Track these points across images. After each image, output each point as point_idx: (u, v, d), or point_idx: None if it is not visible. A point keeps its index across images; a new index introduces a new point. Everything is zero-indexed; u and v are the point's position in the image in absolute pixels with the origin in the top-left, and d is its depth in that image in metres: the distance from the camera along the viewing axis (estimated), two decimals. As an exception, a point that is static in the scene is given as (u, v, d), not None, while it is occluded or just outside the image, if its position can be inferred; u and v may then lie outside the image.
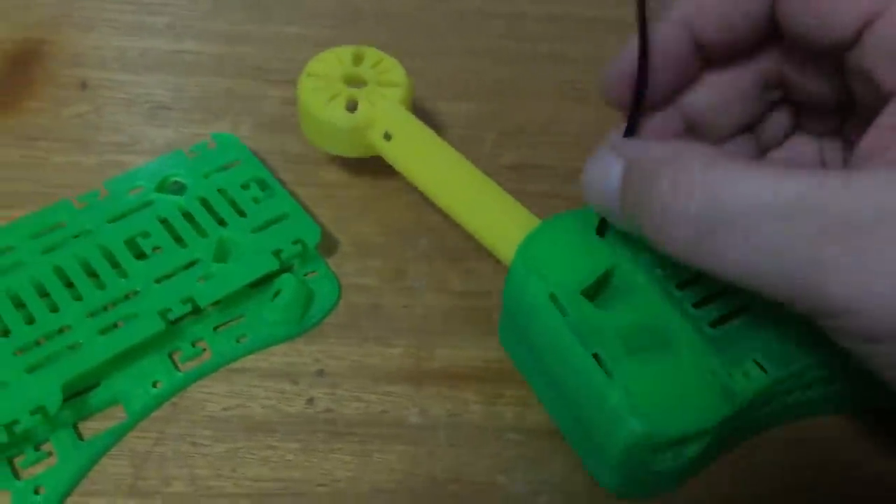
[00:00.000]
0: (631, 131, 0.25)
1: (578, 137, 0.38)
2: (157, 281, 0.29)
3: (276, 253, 0.30)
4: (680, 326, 0.25)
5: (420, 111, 0.38)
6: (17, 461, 0.26)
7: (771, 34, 0.23)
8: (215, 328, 0.29)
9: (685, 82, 0.25)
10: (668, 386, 0.24)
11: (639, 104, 0.24)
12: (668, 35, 0.23)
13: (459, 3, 0.43)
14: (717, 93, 0.25)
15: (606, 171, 0.23)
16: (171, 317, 0.28)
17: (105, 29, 0.39)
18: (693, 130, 0.26)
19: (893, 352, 0.18)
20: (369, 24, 0.41)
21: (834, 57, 0.21)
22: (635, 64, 0.24)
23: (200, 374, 0.28)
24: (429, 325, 0.31)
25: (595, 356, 0.24)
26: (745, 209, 0.19)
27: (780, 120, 0.26)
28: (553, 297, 0.25)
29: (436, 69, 0.40)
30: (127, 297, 0.29)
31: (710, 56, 0.24)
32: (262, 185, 0.32)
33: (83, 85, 0.37)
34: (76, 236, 0.30)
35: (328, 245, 0.32)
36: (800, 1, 0.20)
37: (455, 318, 0.31)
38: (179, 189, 0.32)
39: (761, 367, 0.25)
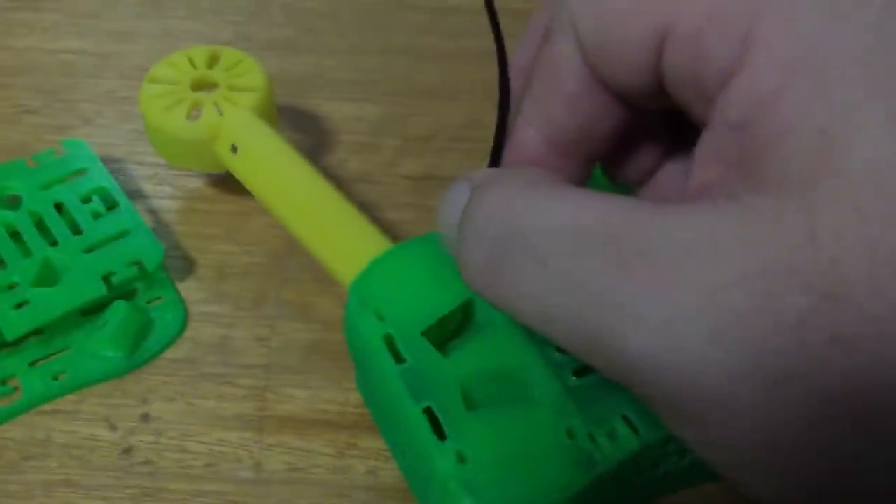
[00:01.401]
0: (494, 160, 0.20)
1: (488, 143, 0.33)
2: (-35, 308, 0.25)
3: (107, 276, 0.26)
4: (540, 375, 0.21)
5: (317, 114, 0.34)
6: None
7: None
8: (31, 363, 0.26)
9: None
10: (515, 451, 0.20)
11: (501, 132, 0.20)
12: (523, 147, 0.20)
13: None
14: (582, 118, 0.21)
15: (454, 202, 0.19)
16: (-28, 351, 0.25)
17: (-17, 27, 0.36)
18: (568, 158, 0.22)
19: (709, 423, 0.13)
20: (278, 19, 0.37)
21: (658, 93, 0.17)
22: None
23: (5, 417, 0.25)
24: (284, 360, 0.26)
25: (427, 411, 0.20)
26: (542, 233, 0.15)
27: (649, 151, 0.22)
28: (388, 339, 0.21)
29: (346, 68, 0.36)
30: (-72, 327, 0.25)
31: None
32: (106, 198, 0.28)
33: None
34: None
35: (183, 267, 0.29)
36: (601, 57, 0.17)
37: (316, 352, 0.27)
38: (15, 202, 0.28)
39: (631, 427, 0.20)
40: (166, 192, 0.31)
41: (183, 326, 0.27)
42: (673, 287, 0.13)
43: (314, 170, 0.26)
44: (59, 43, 0.36)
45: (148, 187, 0.31)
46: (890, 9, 0.14)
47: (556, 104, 0.19)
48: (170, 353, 0.26)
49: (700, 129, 0.17)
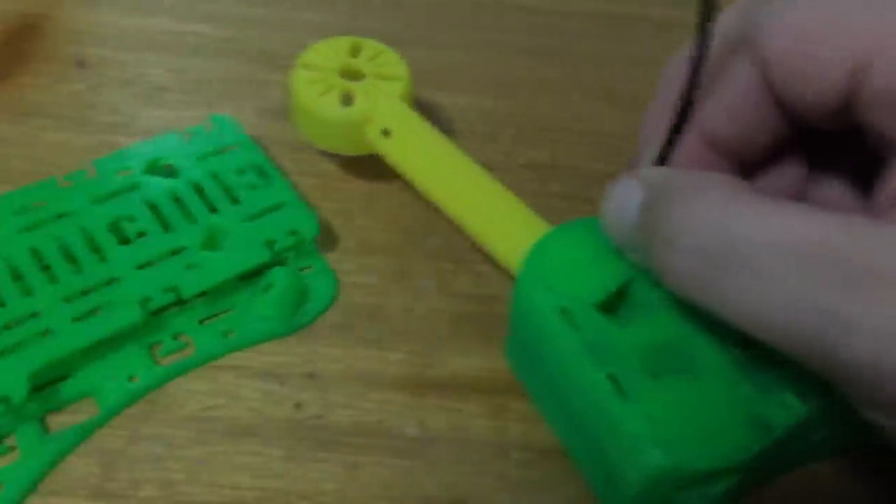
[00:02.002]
0: (662, 160, 0.22)
1: (604, 138, 0.35)
2: (140, 267, 0.27)
3: (269, 243, 0.28)
4: (706, 347, 0.22)
5: (432, 105, 0.35)
6: (-25, 455, 0.24)
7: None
8: (200, 321, 0.27)
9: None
10: (695, 414, 0.21)
11: (678, 131, 0.21)
12: (688, 151, 0.22)
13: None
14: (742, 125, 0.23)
15: (626, 199, 0.21)
16: (152, 306, 0.26)
17: (107, 6, 0.37)
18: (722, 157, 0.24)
19: None
20: (384, 11, 0.39)
21: (840, 113, 0.19)
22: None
23: (181, 370, 0.26)
24: (432, 330, 0.28)
25: (610, 377, 0.22)
26: (760, 248, 0.16)
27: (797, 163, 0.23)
28: (564, 311, 0.23)
29: (456, 61, 0.38)
30: (106, 283, 0.26)
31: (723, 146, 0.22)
32: (260, 171, 0.30)
33: (81, 63, 0.35)
34: (59, 216, 0.28)
35: (328, 240, 0.30)
36: (788, 78, 0.18)
37: (461, 323, 0.29)
38: (172, 172, 0.30)
39: (797, 396, 0.22)
40: (302, 170, 0.32)
41: (336, 294, 0.29)
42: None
43: (466, 155, 0.28)
44: (183, 25, 0.37)
45: (283, 165, 0.32)
46: None
47: (722, 111, 0.20)
48: (327, 319, 0.28)
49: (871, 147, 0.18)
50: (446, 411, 0.26)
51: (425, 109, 0.35)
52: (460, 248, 0.30)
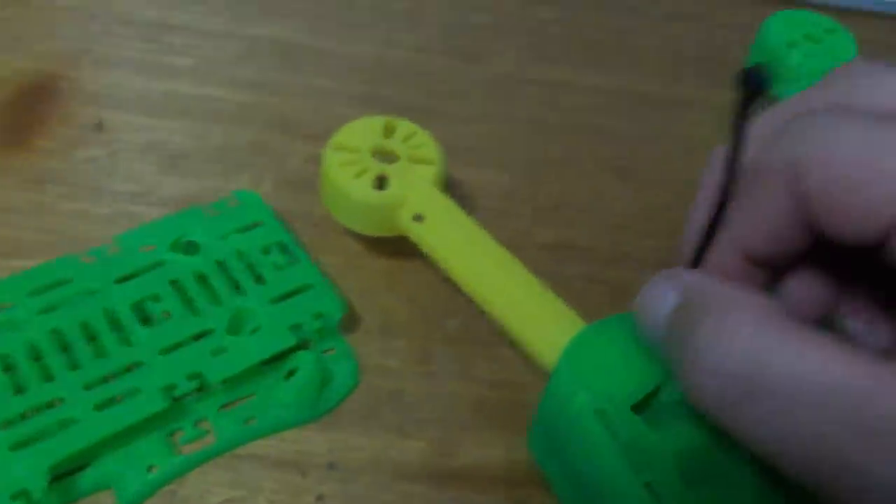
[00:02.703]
0: (696, 263, 0.22)
1: (621, 218, 0.35)
2: (164, 352, 0.26)
3: (295, 327, 0.28)
4: (738, 453, 0.23)
5: (450, 179, 0.35)
6: (-8, 549, 0.23)
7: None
8: (221, 407, 0.27)
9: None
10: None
11: (712, 234, 0.22)
12: (722, 256, 0.22)
13: (495, 67, 0.41)
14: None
15: (660, 300, 0.21)
16: (176, 394, 0.26)
17: (126, 68, 0.37)
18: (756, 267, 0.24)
19: None
20: (404, 82, 0.39)
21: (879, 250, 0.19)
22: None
23: (202, 460, 0.26)
24: (454, 416, 0.28)
25: (648, 486, 0.22)
26: (786, 382, 0.16)
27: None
28: (601, 414, 0.23)
29: (469, 135, 0.38)
30: (129, 368, 0.26)
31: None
32: (285, 250, 0.30)
33: (99, 126, 0.35)
34: (81, 296, 0.27)
35: (349, 320, 0.30)
36: (828, 212, 0.18)
37: (482, 410, 0.28)
38: (195, 249, 0.29)
39: None
40: (323, 246, 0.32)
41: (358, 379, 0.28)
42: None
43: (497, 243, 0.28)
44: (202, 89, 0.37)
45: (303, 240, 0.32)
46: None
47: (756, 232, 0.20)
48: (348, 404, 0.28)
49: None
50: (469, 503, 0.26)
51: (447, 183, 0.35)
52: (481, 331, 0.30)
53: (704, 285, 0.20)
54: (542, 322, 0.26)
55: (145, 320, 0.27)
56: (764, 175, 0.19)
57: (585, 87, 0.41)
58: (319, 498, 0.26)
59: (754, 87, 0.18)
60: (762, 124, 0.22)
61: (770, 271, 0.22)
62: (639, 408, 0.24)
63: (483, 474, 0.27)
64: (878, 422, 0.15)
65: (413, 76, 0.40)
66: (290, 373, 0.27)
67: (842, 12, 0.46)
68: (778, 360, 0.17)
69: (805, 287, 0.23)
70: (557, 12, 0.44)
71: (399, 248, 0.31)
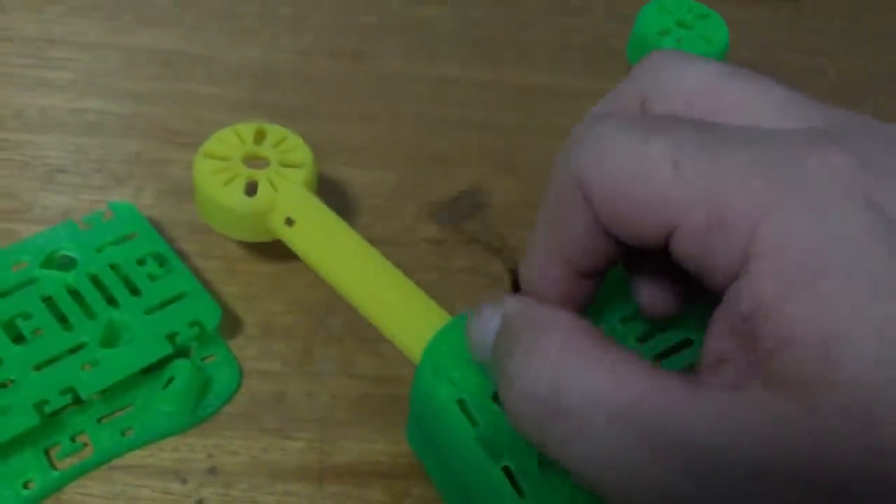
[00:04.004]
0: (517, 286, 0.23)
1: (505, 209, 0.36)
2: (36, 368, 0.26)
3: (171, 336, 0.28)
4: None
5: (337, 180, 0.36)
6: None
7: None
8: (99, 420, 0.27)
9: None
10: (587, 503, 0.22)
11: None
12: (549, 268, 0.22)
13: (382, 67, 0.41)
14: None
15: (484, 326, 0.22)
16: (49, 410, 0.26)
17: (5, 84, 0.37)
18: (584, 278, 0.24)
19: None
20: (289, 86, 0.40)
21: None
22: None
23: (79, 473, 0.26)
24: (335, 414, 0.29)
25: (505, 469, 0.22)
26: (581, 404, 0.17)
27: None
28: (461, 403, 0.24)
29: (356, 135, 0.38)
30: (3, 386, 0.26)
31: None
32: (161, 260, 0.30)
33: (-25, 144, 0.35)
34: (-51, 317, 0.27)
35: (231, 325, 0.30)
36: (612, 221, 0.19)
37: (364, 406, 0.29)
38: (69, 263, 0.29)
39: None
40: (204, 252, 0.32)
41: (239, 383, 0.29)
42: (706, 476, 0.16)
43: (368, 244, 0.29)
44: (82, 102, 0.37)
45: (185, 247, 0.32)
46: (876, 237, 0.16)
47: (572, 247, 0.20)
48: (229, 409, 0.28)
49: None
50: (348, 500, 0.27)
51: (329, 185, 0.36)
52: (363, 328, 0.31)
53: (520, 310, 0.21)
54: (409, 318, 0.27)
55: (17, 338, 0.27)
56: (562, 191, 0.20)
57: (472, 83, 0.42)
58: (199, 503, 0.26)
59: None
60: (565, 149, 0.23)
61: (598, 279, 0.22)
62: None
63: (364, 469, 0.28)
64: (662, 437, 0.16)
65: (299, 80, 0.40)
66: (169, 381, 0.28)
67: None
68: (576, 381, 0.17)
69: (655, 292, 0.24)
70: (445, 10, 0.45)
71: (281, 251, 0.32)
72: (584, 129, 0.19)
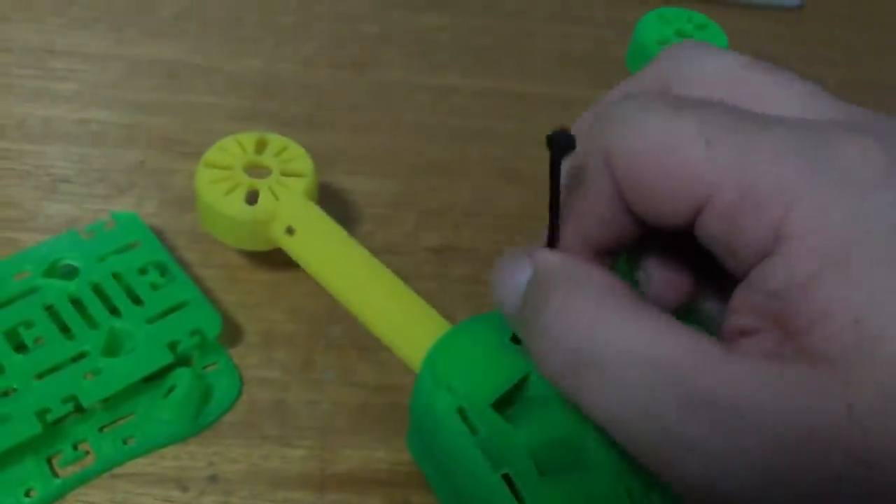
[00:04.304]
0: (551, 242, 0.23)
1: (505, 218, 0.36)
2: (38, 377, 0.27)
3: (172, 345, 0.28)
4: (596, 442, 0.23)
5: (338, 188, 0.36)
6: None
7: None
8: (101, 428, 0.27)
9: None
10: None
11: (556, 216, 0.22)
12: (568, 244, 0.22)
13: (383, 76, 0.42)
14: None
15: (513, 275, 0.22)
16: (51, 418, 0.26)
17: (6, 95, 0.37)
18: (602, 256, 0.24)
19: None
20: (291, 95, 0.40)
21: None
22: None
23: (80, 481, 0.26)
24: (336, 422, 0.29)
25: (505, 477, 0.23)
26: (616, 356, 0.17)
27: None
28: (461, 412, 0.24)
29: (357, 144, 0.38)
30: (3, 395, 0.26)
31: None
32: (163, 269, 0.30)
33: (-21, 154, 0.35)
34: (-48, 325, 0.28)
35: (232, 333, 0.31)
36: (638, 198, 0.19)
37: (364, 414, 0.29)
38: (72, 272, 0.30)
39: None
40: (206, 261, 0.33)
41: (239, 391, 0.29)
42: (735, 434, 0.16)
43: (368, 253, 0.29)
44: (85, 113, 0.37)
45: (187, 256, 0.33)
46: None
47: (590, 221, 0.21)
48: (230, 417, 0.28)
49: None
50: (349, 508, 0.27)
51: (331, 193, 0.36)
52: (363, 337, 0.31)
53: (554, 262, 0.21)
54: (409, 327, 0.27)
55: (19, 347, 0.27)
56: (586, 164, 0.20)
57: (473, 91, 0.42)
58: (200, 511, 0.26)
59: (560, 150, 0.19)
60: (591, 111, 0.23)
61: (609, 261, 0.23)
62: (503, 403, 0.25)
63: (365, 477, 0.28)
64: (695, 395, 0.16)
65: (300, 89, 0.40)
66: (170, 390, 0.28)
67: (714, 7, 0.48)
68: (613, 335, 0.18)
69: (666, 275, 0.24)
70: (445, 19, 0.45)
71: (282, 259, 0.32)
72: (612, 105, 0.19)
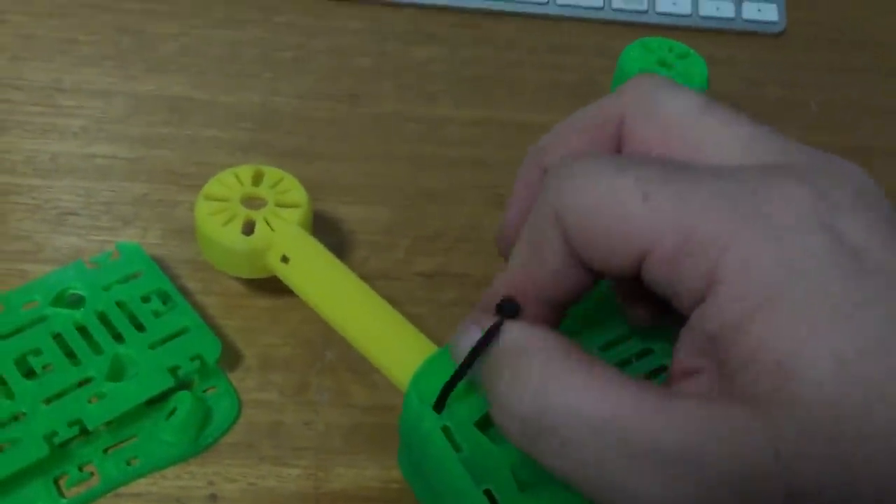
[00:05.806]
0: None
1: (493, 244, 0.37)
2: (46, 401, 0.28)
3: (174, 370, 0.29)
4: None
5: (333, 217, 0.38)
6: None
7: None
8: (105, 450, 0.29)
9: None
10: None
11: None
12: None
13: (377, 107, 0.43)
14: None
15: (472, 341, 0.22)
16: (58, 441, 0.27)
17: (16, 131, 0.39)
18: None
19: None
20: (287, 128, 0.41)
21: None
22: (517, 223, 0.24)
23: (86, 501, 0.27)
24: (330, 443, 0.30)
25: (487, 492, 0.24)
26: (564, 421, 0.18)
27: None
28: (446, 430, 0.25)
29: (352, 173, 0.40)
30: (13, 419, 0.28)
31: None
32: (164, 297, 0.32)
33: (-11, 189, 0.36)
34: (-36, 355, 0.29)
35: (231, 358, 0.32)
36: (586, 253, 0.20)
37: (357, 434, 0.30)
38: (78, 301, 0.31)
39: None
40: (206, 288, 0.34)
41: (238, 413, 0.30)
42: (675, 480, 0.17)
43: (359, 279, 0.30)
44: (91, 148, 0.39)
45: (189, 284, 0.34)
46: (834, 263, 0.17)
47: (544, 274, 0.22)
48: (228, 438, 0.30)
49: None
50: (343, 524, 0.28)
51: (326, 221, 0.37)
52: (356, 360, 0.32)
53: (503, 333, 0.22)
54: (398, 350, 0.29)
55: (28, 373, 0.29)
56: (539, 220, 0.21)
57: (465, 121, 0.44)
58: (200, 528, 0.27)
59: (507, 313, 0.22)
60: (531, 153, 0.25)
61: (561, 309, 0.24)
62: (487, 422, 0.26)
63: (358, 495, 0.29)
64: (638, 447, 0.17)
65: (297, 121, 0.42)
66: (172, 412, 0.29)
67: (694, 32, 0.49)
68: (559, 401, 0.19)
69: (638, 309, 0.25)
70: (437, 51, 0.47)
71: (279, 287, 0.33)
72: (560, 165, 0.21)
